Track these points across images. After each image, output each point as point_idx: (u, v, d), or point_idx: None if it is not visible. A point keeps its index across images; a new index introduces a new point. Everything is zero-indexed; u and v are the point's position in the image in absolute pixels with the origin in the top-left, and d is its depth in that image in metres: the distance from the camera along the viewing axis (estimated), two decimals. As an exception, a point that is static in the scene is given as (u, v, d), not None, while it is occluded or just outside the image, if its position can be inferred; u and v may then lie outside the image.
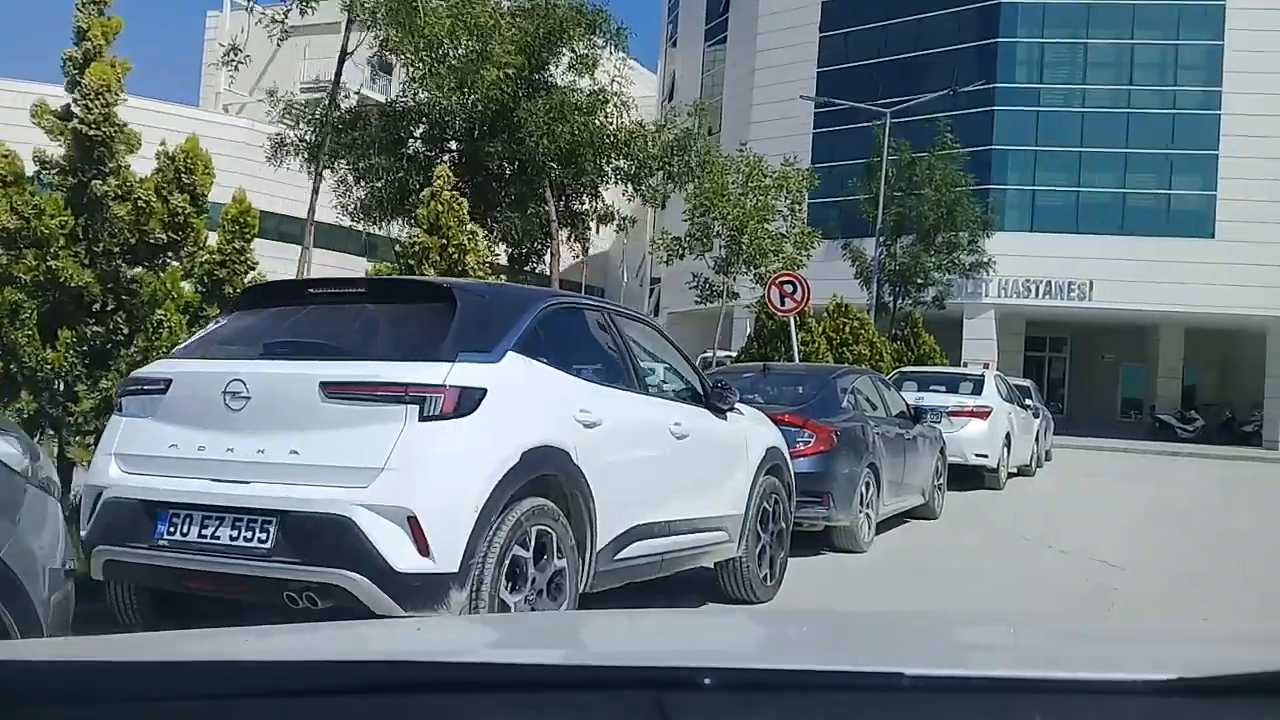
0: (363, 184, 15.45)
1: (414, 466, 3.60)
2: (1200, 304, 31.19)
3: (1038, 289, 32.04)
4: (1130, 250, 31.47)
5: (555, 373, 4.27)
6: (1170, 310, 31.68)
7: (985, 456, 12.97)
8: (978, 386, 13.72)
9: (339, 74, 15.36)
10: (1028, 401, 16.32)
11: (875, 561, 8.07)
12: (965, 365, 32.10)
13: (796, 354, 13.25)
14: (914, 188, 23.23)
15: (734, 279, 18.80)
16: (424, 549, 3.52)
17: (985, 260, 25.12)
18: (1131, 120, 32.17)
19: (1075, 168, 32.57)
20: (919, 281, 23.98)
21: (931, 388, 13.84)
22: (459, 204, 8.49)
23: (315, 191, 15.06)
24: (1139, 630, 2.20)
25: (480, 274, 8.12)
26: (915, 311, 24.00)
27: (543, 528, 3.91)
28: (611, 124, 15.19)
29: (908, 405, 10.15)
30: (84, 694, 1.06)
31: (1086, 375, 40.39)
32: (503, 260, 16.01)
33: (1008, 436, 13.60)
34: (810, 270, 25.49)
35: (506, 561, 3.72)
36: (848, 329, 17.88)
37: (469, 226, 8.53)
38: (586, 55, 15.42)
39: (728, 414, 5.67)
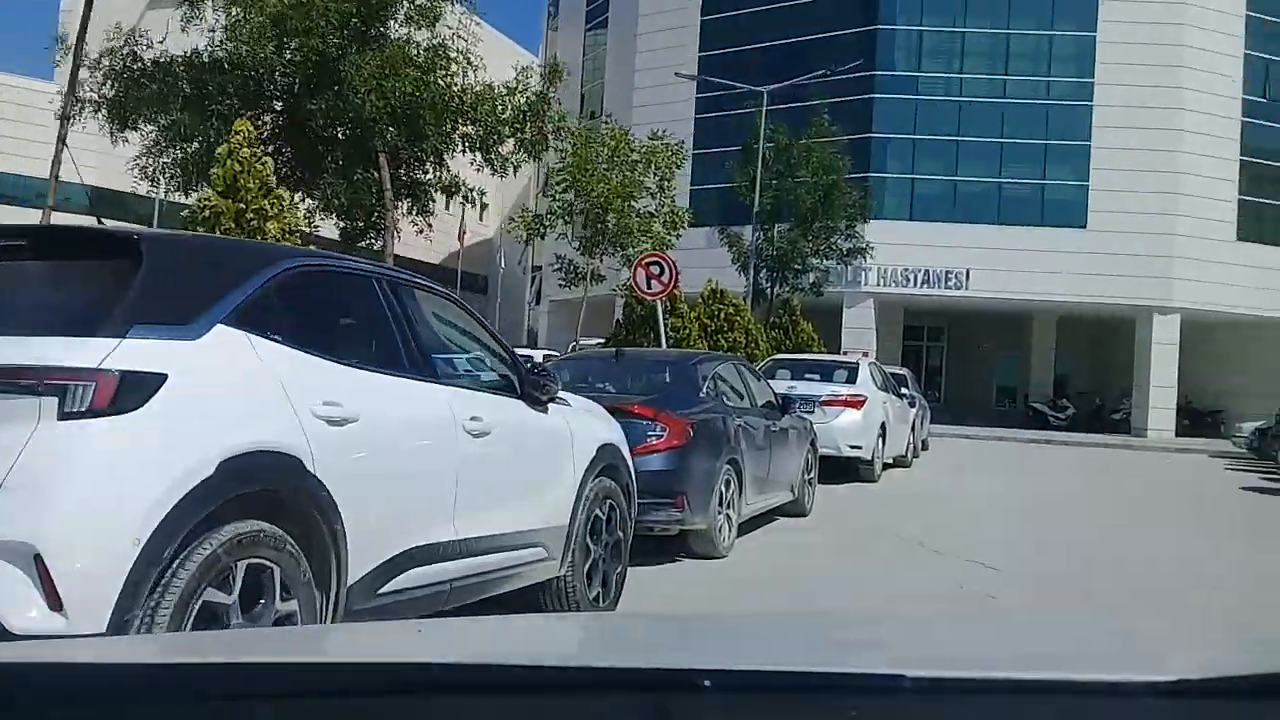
0: (176, 148, 13.91)
1: (44, 484, 2.57)
2: (1072, 293, 31.58)
3: (916, 278, 32.02)
4: (1006, 240, 31.67)
5: (292, 353, 3.26)
6: (1044, 300, 32.00)
7: (859, 448, 12.36)
8: (852, 375, 13.11)
9: (86, 18, 13.49)
10: (904, 390, 15.86)
11: (735, 568, 7.27)
12: (845, 354, 31.96)
13: (664, 340, 12.45)
14: (791, 171, 22.64)
15: (600, 261, 17.87)
16: (55, 602, 2.50)
17: (863, 246, 24.73)
18: (1007, 110, 32.36)
19: (953, 157, 32.63)
20: (797, 268, 23.42)
21: (805, 376, 13.19)
22: (262, 164, 7.39)
23: (60, 142, 13.40)
24: (1139, 631, 2.22)
25: (287, 244, 7.03)
26: (793, 298, 23.49)
27: (257, 561, 2.91)
28: (456, 84, 13.91)
29: (776, 395, 9.39)
30: (84, 694, 1.06)
31: (963, 364, 40.81)
32: (331, 233, 14.62)
33: (883, 427, 13.03)
34: (690, 257, 25.03)
35: (193, 611, 2.71)
36: (723, 315, 17.21)
37: (276, 190, 7.45)
38: (426, 7, 14.12)
39: (548, 406, 4.75)
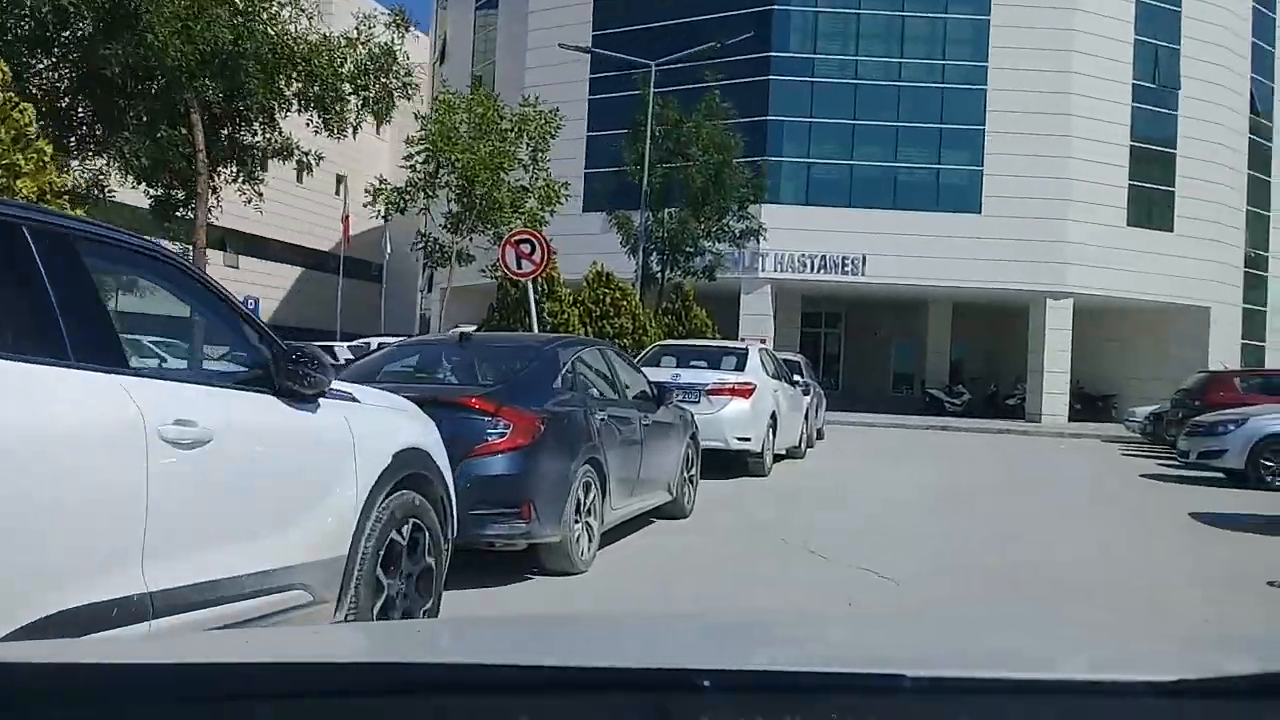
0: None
1: None
2: (967, 279, 31.40)
3: (813, 264, 31.49)
4: (902, 225, 31.35)
5: None
6: (939, 285, 31.78)
7: (748, 440, 11.47)
8: (741, 362, 12.21)
9: None
10: (797, 378, 15.07)
11: (594, 584, 6.26)
12: (743, 340, 31.28)
13: (535, 324, 11.39)
14: (681, 150, 21.72)
15: (469, 239, 16.62)
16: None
17: (756, 227, 23.95)
18: (903, 94, 32.01)
19: (849, 140, 32.18)
20: (688, 250, 22.51)
21: (691, 363, 12.26)
22: (20, 111, 6.12)
23: None
24: (1139, 631, 2.20)
25: (46, 204, 5.80)
26: (686, 283, 22.63)
27: None
28: (285, 32, 12.43)
29: (651, 384, 8.40)
30: (84, 694, 1.06)
31: (861, 351, 40.61)
32: (141, 201, 12.99)
33: (773, 416, 12.18)
34: (584, 242, 24.03)
35: None
36: (608, 300, 16.21)
37: (37, 143, 6.19)
38: (239, -68, 12.44)
39: (318, 401, 3.65)
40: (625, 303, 16.03)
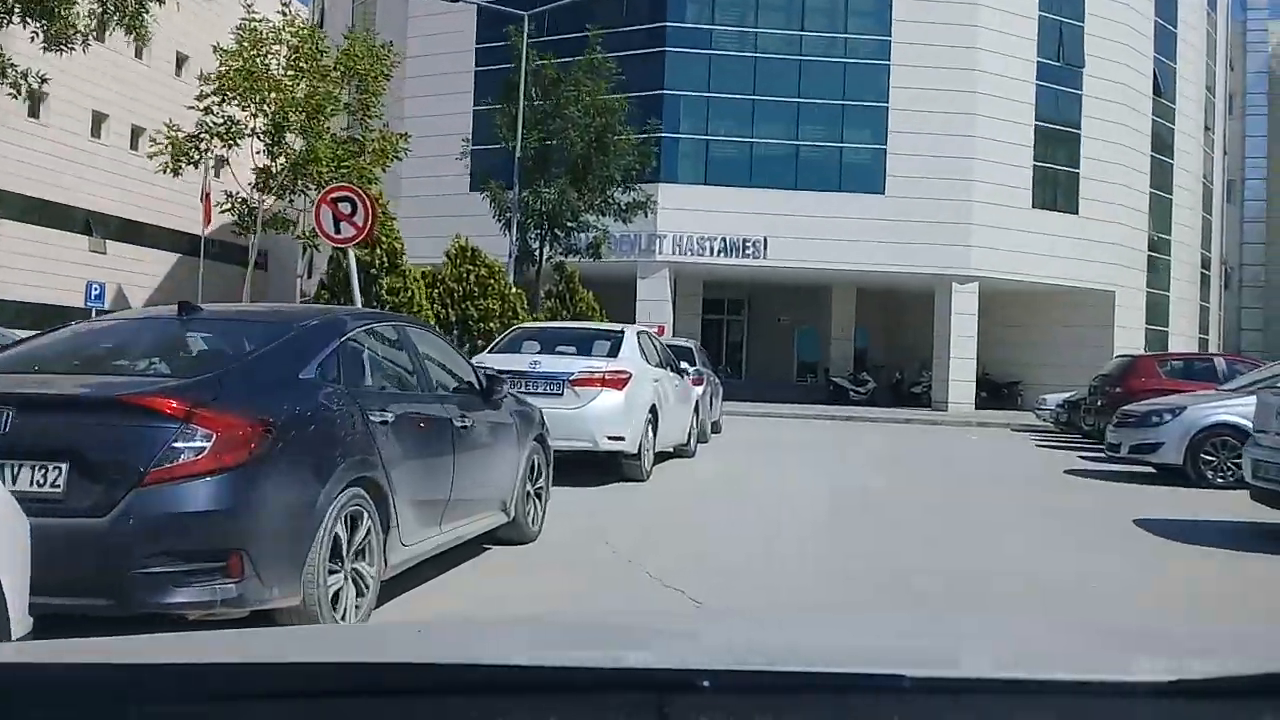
0: None
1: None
2: (871, 262, 30.13)
3: (713, 246, 29.87)
4: (804, 206, 29.92)
5: None
6: (842, 269, 30.45)
7: (620, 439, 9.62)
8: (615, 347, 10.32)
9: None
10: (688, 366, 13.33)
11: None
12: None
13: (358, 299, 9.38)
14: (560, 111, 19.64)
15: (289, 200, 14.39)
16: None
17: (644, 200, 22.08)
18: (804, 68, 30.54)
19: (748, 117, 30.60)
20: (569, 225, 20.46)
21: (557, 349, 10.36)
22: None
23: None
24: (1139, 631, 2.18)
25: None
26: (568, 262, 20.70)
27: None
28: None
29: (480, 373, 6.47)
30: (84, 694, 1.06)
31: (765, 339, 39.30)
32: None
33: (654, 411, 10.36)
34: (470, 223, 21.81)
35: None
36: (473, 278, 14.22)
37: None
38: None
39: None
40: (493, 281, 14.07)
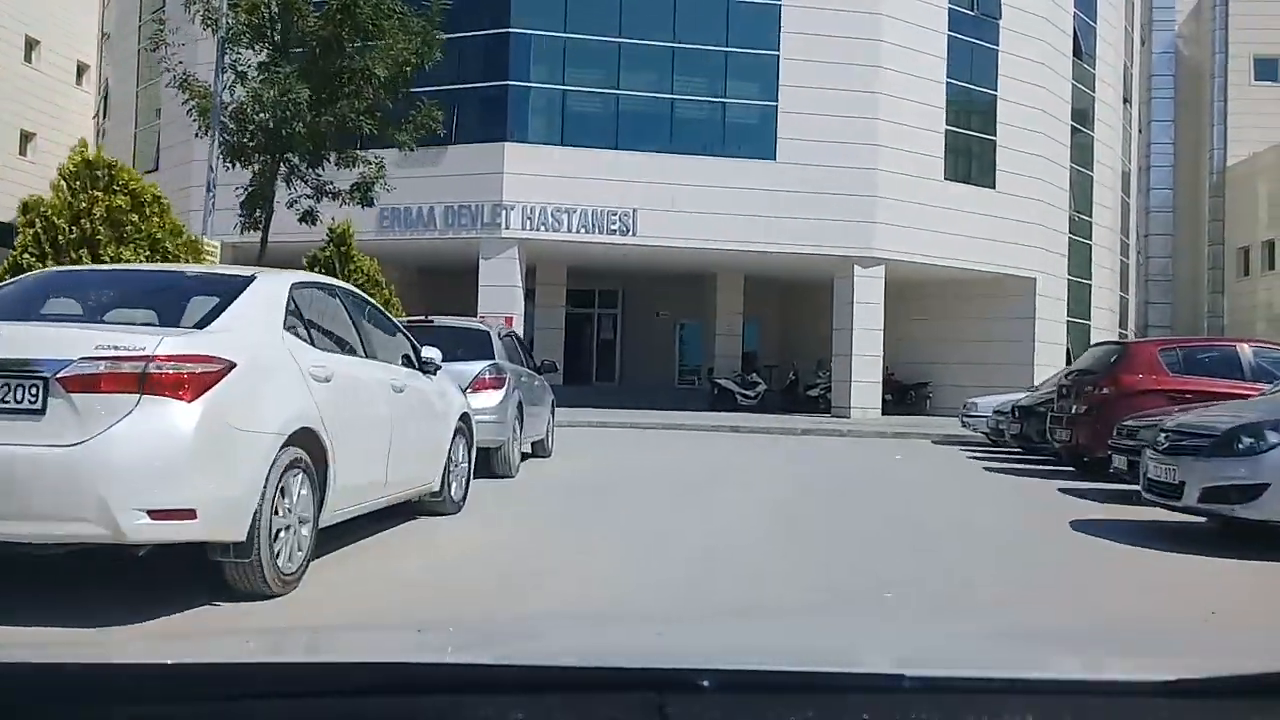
0: None
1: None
2: (760, 241, 25.24)
3: (570, 220, 24.56)
4: (680, 172, 24.87)
5: None
6: (726, 248, 25.48)
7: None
8: (206, 311, 5.01)
9: None
10: (433, 355, 8.01)
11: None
12: (483, 320, 24.11)
13: None
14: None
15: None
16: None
17: (434, 114, 16.01)
18: (680, 6, 25.45)
19: (614, 63, 25.39)
20: (304, 143, 13.66)
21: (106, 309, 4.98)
22: None
23: None
24: (1139, 632, 2.14)
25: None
26: (331, 215, 15.13)
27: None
28: None
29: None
30: (84, 694, 1.06)
31: (641, 336, 34.21)
32: None
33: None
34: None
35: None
36: (104, 210, 8.58)
37: None
38: None
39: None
40: (145, 220, 8.53)
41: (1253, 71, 47.23)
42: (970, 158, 28.41)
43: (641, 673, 1.14)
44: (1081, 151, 32.21)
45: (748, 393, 28.99)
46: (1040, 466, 13.04)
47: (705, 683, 1.01)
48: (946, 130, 27.34)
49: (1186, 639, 1.81)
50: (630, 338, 34.34)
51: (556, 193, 24.41)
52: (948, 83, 27.26)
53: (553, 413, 13.08)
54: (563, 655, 1.44)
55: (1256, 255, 44.69)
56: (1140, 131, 43.92)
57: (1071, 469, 12.11)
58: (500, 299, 24.33)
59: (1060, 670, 1.30)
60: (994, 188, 28.17)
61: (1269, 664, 1.20)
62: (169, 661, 1.27)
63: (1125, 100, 36.53)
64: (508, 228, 24.21)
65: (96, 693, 1.07)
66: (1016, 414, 14.52)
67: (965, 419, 18.82)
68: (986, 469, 13.27)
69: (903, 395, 29.65)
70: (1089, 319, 32.36)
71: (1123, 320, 36.56)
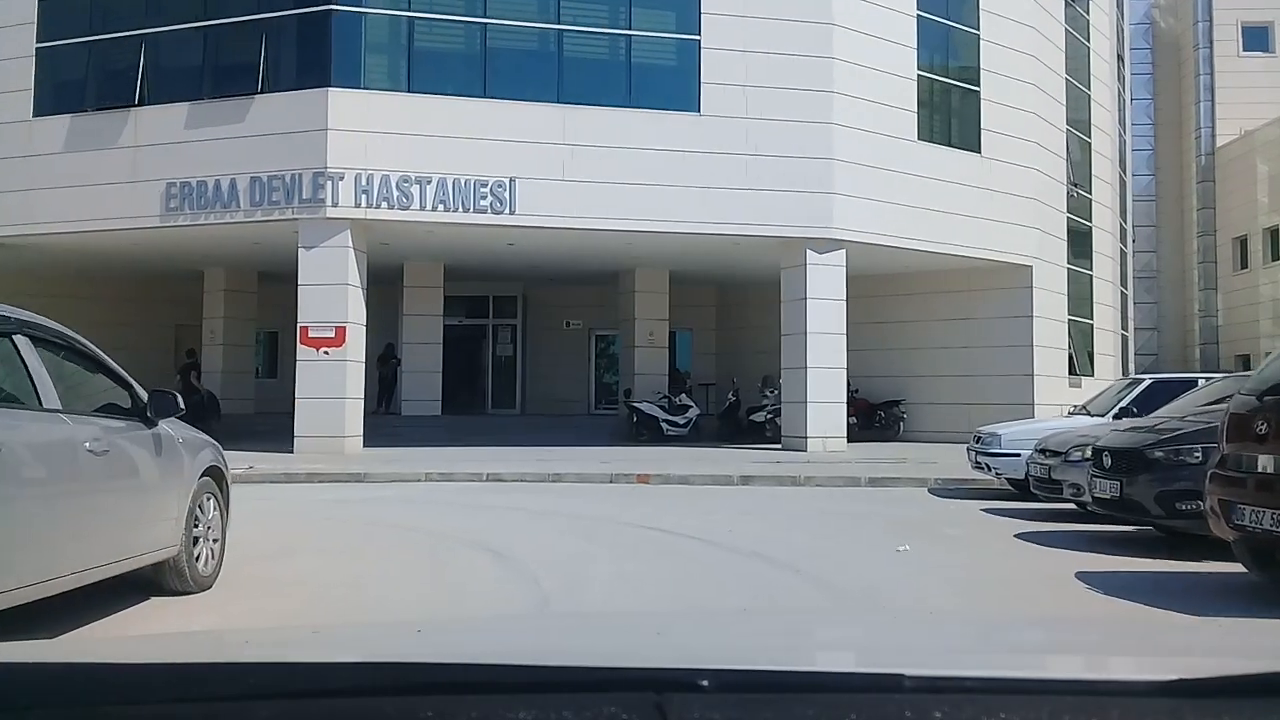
0: None
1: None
2: (681, 220, 18.98)
3: (424, 193, 18.05)
4: (575, 130, 18.56)
5: None
6: (636, 230, 19.16)
7: None
8: None
9: None
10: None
11: None
12: (312, 337, 17.67)
13: None
14: None
15: None
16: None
17: None
18: (568, -93, 19.12)
19: (478, -17, 18.94)
20: None
21: None
22: None
23: None
24: (1139, 631, 2.17)
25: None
26: None
27: None
28: None
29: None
30: (84, 694, 1.07)
31: (548, 353, 27.89)
32: None
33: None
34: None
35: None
36: None
37: None
38: None
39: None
40: None
41: (1241, 41, 42.07)
42: (950, 114, 22.40)
43: (641, 673, 1.15)
44: (1077, 112, 26.39)
45: (675, 419, 22.69)
46: (1187, 566, 6.79)
47: (705, 683, 1.01)
48: (919, 76, 21.27)
49: (1186, 639, 1.73)
50: (535, 356, 27.97)
51: (403, 157, 17.94)
52: (919, 16, 21.21)
53: (219, 492, 6.46)
54: (563, 655, 1.44)
55: (1256, 244, 39.31)
56: (1132, 100, 38.46)
57: (1251, 569, 5.94)
58: (328, 303, 17.78)
59: (1060, 670, 1.31)
60: (979, 151, 22.17)
61: (1269, 664, 1.22)
62: (169, 661, 1.30)
63: (1119, 57, 30.84)
64: (335, 204, 17.65)
65: (96, 693, 1.07)
66: (1111, 462, 8.19)
67: (981, 457, 12.57)
68: (1102, 580, 6.83)
69: (869, 418, 23.51)
70: (1091, 317, 26.48)
71: (1123, 320, 30.72)
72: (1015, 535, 8.97)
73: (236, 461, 17.06)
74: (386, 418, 24.40)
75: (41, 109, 19.53)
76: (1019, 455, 11.75)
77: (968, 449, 13.21)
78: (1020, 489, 11.88)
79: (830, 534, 9.35)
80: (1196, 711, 1.02)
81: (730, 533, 8.89)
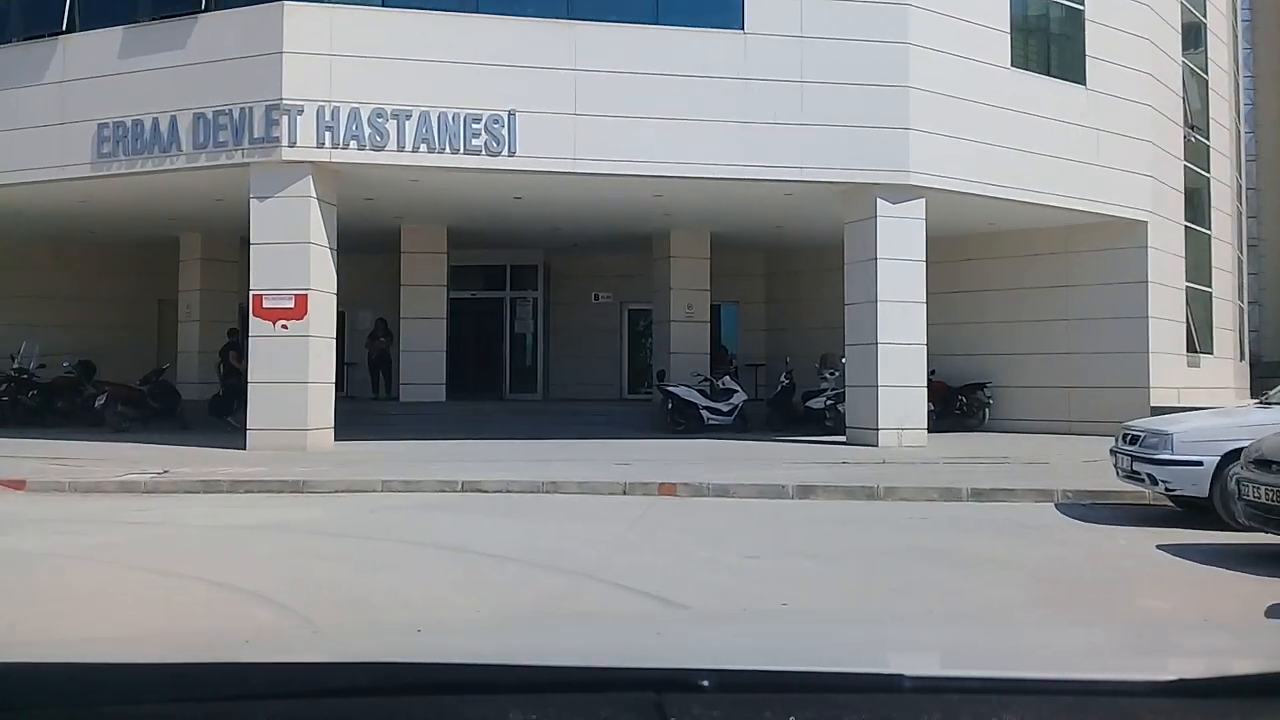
0: None
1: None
2: (724, 162, 15.40)
3: (402, 131, 14.62)
4: (586, 51, 15.06)
5: None
6: (668, 176, 15.59)
7: None
8: None
9: None
10: None
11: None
12: (274, 318, 14.48)
13: None
14: None
15: None
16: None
17: None
18: None
19: None
20: None
21: None
22: None
23: None
24: (1139, 631, 2.14)
25: None
26: None
27: None
28: None
29: None
30: (84, 694, 1.06)
31: (572, 331, 24.49)
32: None
33: None
34: None
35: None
36: None
37: None
38: None
39: None
40: None
41: (1359, -22, 37.34)
42: (1048, 37, 18.54)
43: (641, 673, 1.14)
44: (1193, 42, 22.33)
45: (718, 406, 19.16)
46: None
47: (705, 683, 1.01)
48: (1014, -11, 17.46)
49: (1186, 639, 1.69)
50: (558, 332, 24.58)
51: (376, 86, 14.55)
52: (1013, -86, 17.36)
53: None
54: (563, 655, 1.43)
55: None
56: (1249, 49, 34.04)
57: None
58: (286, 266, 14.47)
59: (1060, 670, 1.29)
60: (1083, 83, 18.28)
61: (1269, 664, 1.23)
62: (169, 661, 1.28)
63: (1234, -15, 26.58)
64: (292, 143, 14.30)
65: (96, 693, 1.06)
66: None
67: (1139, 465, 8.88)
68: None
69: (948, 404, 19.76)
70: (1209, 285, 22.44)
71: (1239, 290, 26.55)
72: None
73: (176, 459, 14.15)
74: (382, 404, 21.19)
75: None
76: (1200, 464, 8.17)
77: (1112, 451, 9.53)
78: (1194, 509, 8.28)
79: (953, 607, 5.78)
80: (1196, 711, 1.02)
81: (785, 606, 5.37)
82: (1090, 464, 13.14)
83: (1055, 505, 9.91)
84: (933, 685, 1.07)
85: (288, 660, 1.30)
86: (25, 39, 16.00)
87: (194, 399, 19.68)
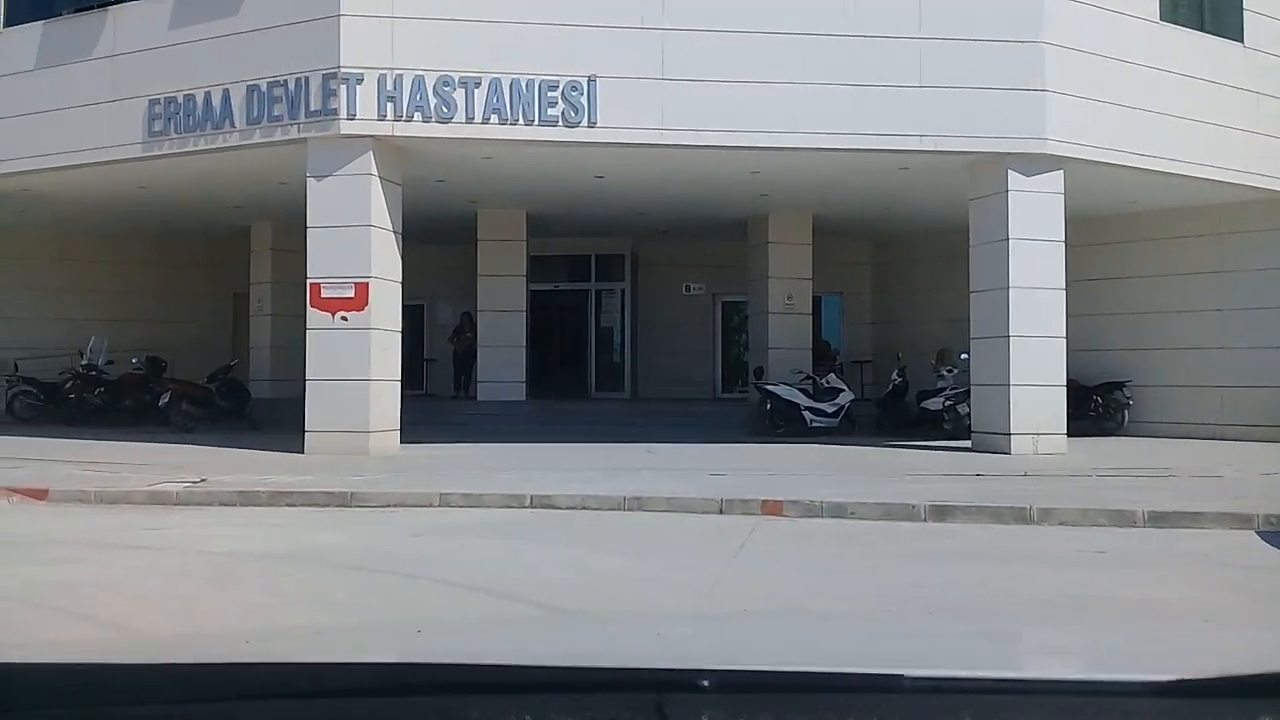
0: None
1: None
2: (831, 130, 13.60)
3: (472, 100, 13.14)
4: (672, 7, 13.41)
5: None
6: (768, 148, 13.84)
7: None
8: None
9: None
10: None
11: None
12: (334, 309, 13.18)
13: None
14: None
15: None
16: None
17: None
18: None
19: None
20: None
21: None
22: None
23: None
24: (1139, 632, 2.09)
25: None
26: None
27: None
28: None
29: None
30: (84, 694, 1.05)
31: (662, 326, 22.88)
32: None
33: None
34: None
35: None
36: None
37: None
38: None
39: None
40: None
41: None
42: (1201, -15, 16.28)
43: (642, 673, 1.13)
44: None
45: (822, 407, 17.33)
46: None
47: (705, 683, 1.00)
48: (1164, -69, 15.26)
49: (1186, 639, 1.66)
50: (647, 326, 22.96)
51: (442, 51, 13.11)
52: None
53: None
54: (563, 655, 1.42)
55: None
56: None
57: None
58: (345, 252, 13.14)
59: (1060, 670, 1.30)
60: (1241, 40, 16.00)
61: (1269, 664, 1.20)
62: (169, 661, 1.27)
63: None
64: (351, 116, 12.94)
65: (97, 693, 1.05)
66: None
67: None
68: None
69: (1082, 405, 17.55)
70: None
71: None
72: None
73: (224, 465, 12.88)
74: (459, 403, 19.86)
75: (16, 16, 15.54)
76: None
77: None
78: None
79: None
80: (1196, 711, 1.01)
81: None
82: (1270, 476, 11.11)
83: (1257, 533, 7.95)
84: (933, 685, 1.04)
85: (288, 660, 1.26)
86: (75, 11, 15.00)
87: (265, 397, 18.63)
